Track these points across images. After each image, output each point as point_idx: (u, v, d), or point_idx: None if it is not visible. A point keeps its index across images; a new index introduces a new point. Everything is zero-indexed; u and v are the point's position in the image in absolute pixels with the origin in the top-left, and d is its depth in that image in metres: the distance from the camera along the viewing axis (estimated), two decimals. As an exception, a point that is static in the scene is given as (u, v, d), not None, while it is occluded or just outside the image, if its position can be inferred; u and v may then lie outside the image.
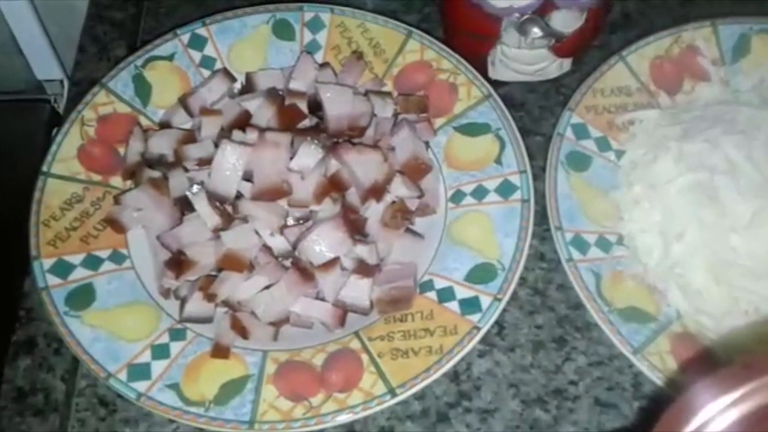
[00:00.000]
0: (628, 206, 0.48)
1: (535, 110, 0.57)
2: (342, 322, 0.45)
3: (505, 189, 0.49)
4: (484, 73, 0.55)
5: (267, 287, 0.44)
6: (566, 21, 0.53)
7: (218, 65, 0.55)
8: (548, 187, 0.48)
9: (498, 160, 0.50)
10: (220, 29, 0.56)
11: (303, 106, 0.49)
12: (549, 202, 0.48)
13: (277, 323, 0.45)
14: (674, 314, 0.45)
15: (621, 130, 0.51)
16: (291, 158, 0.46)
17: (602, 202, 0.48)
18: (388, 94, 0.53)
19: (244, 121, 0.49)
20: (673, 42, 0.54)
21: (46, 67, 0.62)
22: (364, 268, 0.45)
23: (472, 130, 0.52)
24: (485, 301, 0.45)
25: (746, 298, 0.44)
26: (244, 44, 0.55)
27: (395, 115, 0.51)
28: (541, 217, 0.49)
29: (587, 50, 0.57)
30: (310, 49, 0.55)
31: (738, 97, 0.52)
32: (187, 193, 0.45)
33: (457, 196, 0.50)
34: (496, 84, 0.57)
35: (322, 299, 0.45)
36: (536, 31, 0.53)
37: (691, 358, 0.43)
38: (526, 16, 0.52)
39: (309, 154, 0.46)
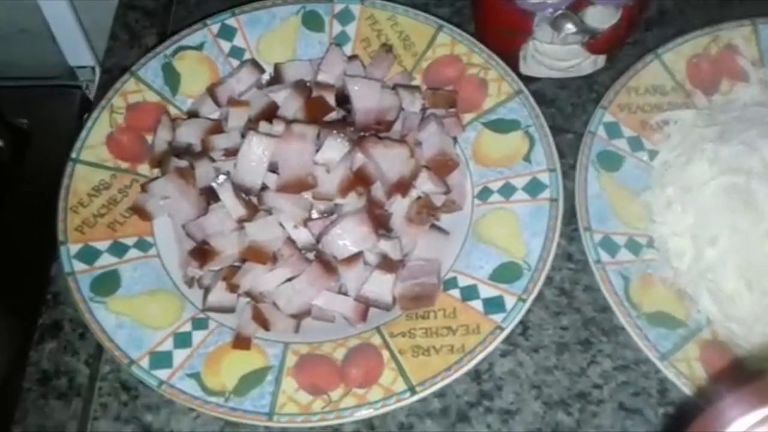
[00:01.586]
0: (660, 208, 0.47)
1: (567, 107, 0.56)
2: (364, 317, 0.45)
3: (534, 187, 0.48)
4: (515, 68, 0.54)
5: (290, 279, 0.44)
6: (601, 17, 0.52)
7: (247, 56, 0.54)
8: (578, 187, 0.47)
9: (527, 158, 0.49)
10: (249, 20, 0.55)
11: (330, 98, 0.49)
12: (578, 202, 0.47)
13: (298, 316, 0.44)
14: (704, 321, 0.44)
15: (655, 130, 0.50)
16: (317, 151, 0.46)
17: (633, 203, 0.47)
18: (417, 88, 0.52)
19: (271, 113, 0.49)
20: (711, 41, 0.53)
21: (79, 54, 0.63)
22: (387, 264, 0.45)
23: (502, 126, 0.51)
24: (509, 301, 0.44)
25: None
26: (273, 35, 0.55)
27: (423, 109, 0.51)
28: (570, 216, 0.48)
29: (622, 47, 0.56)
30: (339, 41, 0.55)
31: (775, 101, 0.51)
32: (213, 183, 0.45)
33: (484, 193, 0.49)
34: (527, 80, 0.56)
35: (345, 293, 0.45)
36: (570, 27, 0.52)
37: (721, 367, 0.41)
38: (559, 12, 0.52)
39: (335, 148, 0.45)
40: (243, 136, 0.47)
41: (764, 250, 0.44)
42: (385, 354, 0.43)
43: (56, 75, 0.64)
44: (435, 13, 0.57)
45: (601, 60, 0.56)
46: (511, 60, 0.55)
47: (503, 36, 0.55)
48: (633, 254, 0.46)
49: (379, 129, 0.48)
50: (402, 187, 0.46)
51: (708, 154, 0.47)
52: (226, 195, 0.45)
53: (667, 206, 0.47)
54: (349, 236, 0.44)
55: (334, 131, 0.46)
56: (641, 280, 0.45)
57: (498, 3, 0.53)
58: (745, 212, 0.44)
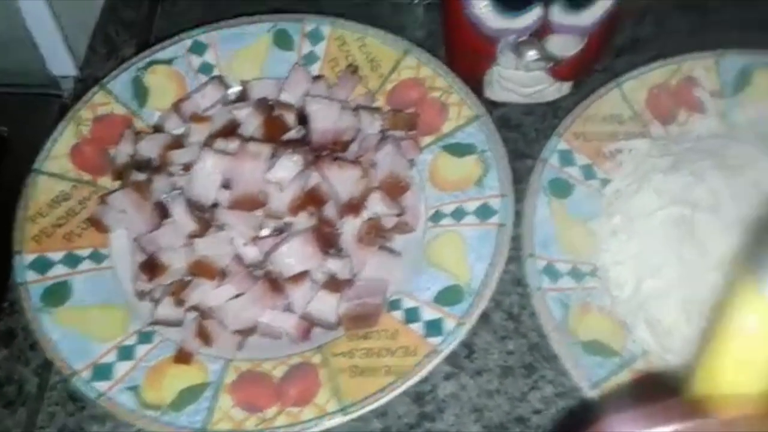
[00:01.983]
0: (606, 237, 0.47)
1: (531, 133, 0.56)
2: (307, 335, 0.46)
3: (484, 212, 0.49)
4: (481, 93, 0.55)
5: (237, 296, 0.45)
6: (564, 45, 0.53)
7: (216, 72, 0.56)
8: (526, 213, 0.48)
9: (480, 183, 0.50)
10: (222, 36, 0.57)
11: (290, 117, 0.50)
12: (525, 228, 0.48)
13: (243, 332, 0.45)
14: (639, 351, 0.44)
15: (608, 158, 0.51)
16: (270, 169, 0.47)
17: (580, 231, 0.48)
18: (378, 109, 0.53)
19: (232, 129, 0.50)
20: (673, 72, 0.53)
21: (60, 63, 0.64)
22: (334, 283, 0.46)
23: (458, 150, 0.52)
24: (449, 324, 0.45)
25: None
26: (244, 52, 0.56)
27: (382, 131, 0.52)
28: (522, 242, 0.49)
29: (590, 74, 0.57)
30: (309, 61, 0.56)
31: (733, 132, 0.51)
32: (165, 198, 0.46)
33: (437, 216, 0.50)
34: (493, 105, 0.57)
35: (291, 311, 0.46)
36: (532, 54, 0.53)
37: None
38: (522, 38, 0.52)
39: (286, 167, 0.46)
40: (202, 152, 0.48)
41: (707, 284, 0.44)
42: (323, 373, 0.44)
43: (38, 83, 0.65)
44: (411, 36, 0.58)
45: (566, 87, 0.56)
46: (479, 84, 0.56)
47: (470, 60, 0.56)
48: (575, 281, 0.46)
49: (335, 149, 0.49)
50: (353, 207, 0.47)
51: (656, 185, 0.47)
52: (178, 210, 0.46)
53: (612, 235, 0.47)
54: (296, 255, 0.45)
55: (289, 150, 0.47)
56: (581, 308, 0.45)
57: (463, 29, 0.54)
58: (690, 244, 0.45)
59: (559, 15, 0.51)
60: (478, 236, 0.48)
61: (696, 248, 0.44)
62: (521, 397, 0.46)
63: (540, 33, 0.52)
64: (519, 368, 0.47)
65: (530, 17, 0.51)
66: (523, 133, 0.56)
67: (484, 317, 0.47)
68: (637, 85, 0.53)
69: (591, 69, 0.57)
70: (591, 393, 0.42)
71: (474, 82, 0.56)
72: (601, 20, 0.52)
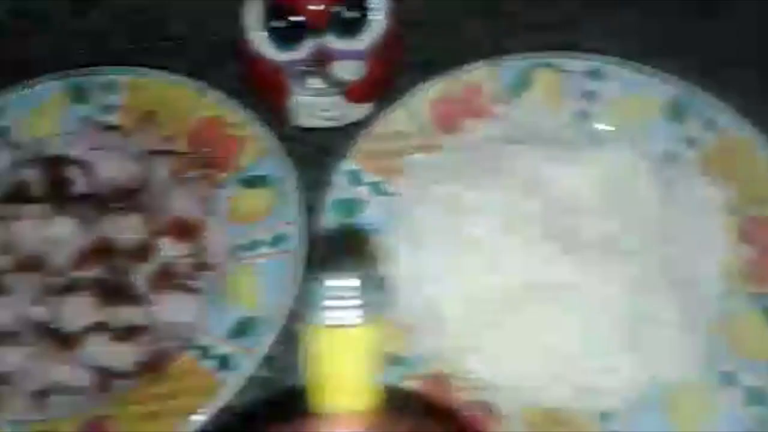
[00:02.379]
0: (392, 250, 0.49)
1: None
2: (105, 388, 0.46)
3: (277, 241, 0.50)
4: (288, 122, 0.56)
5: (28, 357, 0.45)
6: (349, 69, 0.55)
7: (13, 134, 0.56)
8: (315, 237, 0.49)
9: (274, 213, 0.51)
10: (18, 99, 0.57)
11: (75, 172, 0.50)
12: (314, 254, 0.49)
13: (38, 393, 0.45)
14: (423, 356, 0.45)
15: (398, 173, 0.52)
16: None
17: (368, 247, 0.49)
18: (170, 152, 0.53)
19: (22, 192, 0.50)
20: (456, 81, 0.55)
21: None
22: (127, 332, 0.46)
23: (254, 182, 0.53)
24: (239, 357, 0.45)
25: (498, 338, 0.45)
26: (41, 111, 0.56)
27: (175, 173, 0.52)
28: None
29: (389, 91, 0.58)
30: (107, 112, 0.56)
31: (515, 135, 0.53)
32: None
33: (236, 250, 0.50)
34: (305, 130, 0.58)
35: (85, 366, 0.46)
36: (318, 81, 0.54)
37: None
38: (306, 68, 0.54)
39: (64, 224, 0.46)
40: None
41: (485, 286, 0.46)
42: (119, 425, 0.44)
43: None
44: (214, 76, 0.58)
45: (367, 106, 0.58)
46: (285, 114, 0.57)
47: (271, 92, 0.57)
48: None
49: (121, 199, 0.50)
50: (142, 254, 0.48)
51: (432, 196, 0.49)
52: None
53: (397, 247, 0.49)
54: (81, 309, 0.45)
55: (69, 206, 0.47)
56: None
57: (254, 62, 0.55)
58: (465, 250, 0.46)
59: (335, 42, 0.53)
60: (273, 266, 0.49)
61: (471, 253, 0.46)
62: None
63: (323, 60, 0.54)
64: None
65: (306, 48, 0.53)
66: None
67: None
68: (421, 99, 0.54)
69: (387, 87, 0.59)
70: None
71: (279, 112, 0.58)
72: (376, 42, 0.54)
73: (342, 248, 0.46)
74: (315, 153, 0.57)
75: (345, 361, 0.20)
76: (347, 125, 0.57)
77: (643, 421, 0.43)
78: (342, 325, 0.19)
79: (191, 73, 0.58)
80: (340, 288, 0.19)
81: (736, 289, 0.47)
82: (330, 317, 0.19)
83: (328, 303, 0.19)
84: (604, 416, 0.43)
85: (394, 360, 0.45)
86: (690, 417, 0.43)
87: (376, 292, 0.19)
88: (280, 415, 0.24)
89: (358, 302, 0.19)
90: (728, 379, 0.44)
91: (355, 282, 0.19)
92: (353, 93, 0.56)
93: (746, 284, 0.47)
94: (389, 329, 0.46)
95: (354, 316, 0.19)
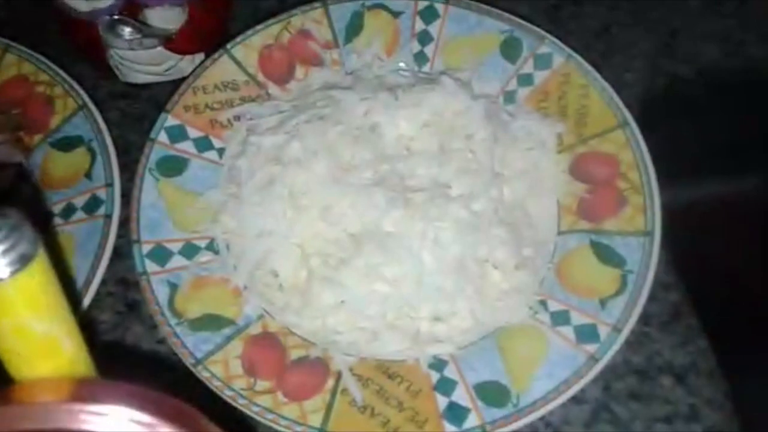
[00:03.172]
0: (220, 206, 0.46)
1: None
2: None
3: (92, 205, 0.46)
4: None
5: None
6: (166, 18, 0.51)
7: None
8: (132, 199, 0.46)
9: (88, 175, 0.47)
10: None
11: None
12: (131, 215, 0.45)
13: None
14: (255, 316, 0.43)
15: (225, 127, 0.50)
16: None
17: (195, 205, 0.46)
18: (-28, 116, 0.49)
19: None
20: (283, 28, 0.52)
21: None
22: None
23: (67, 144, 0.49)
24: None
25: (331, 290, 0.43)
26: None
27: (-22, 138, 0.48)
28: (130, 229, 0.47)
29: (221, 41, 0.55)
30: None
31: (347, 80, 0.51)
32: None
33: (49, 218, 0.47)
34: (139, 87, 0.54)
35: None
36: (129, 31, 0.50)
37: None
38: (115, 17, 0.50)
39: None
40: None
41: (318, 235, 0.44)
42: None
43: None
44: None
45: (198, 58, 0.54)
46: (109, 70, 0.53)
47: (88, 48, 0.53)
48: (187, 259, 0.45)
49: None
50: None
51: (253, 148, 0.46)
52: None
53: (226, 203, 0.46)
54: None
55: None
56: (193, 284, 0.44)
57: (63, 16, 0.51)
58: (288, 201, 0.44)
59: (142, -12, 0.49)
60: (87, 232, 0.45)
61: (295, 203, 0.44)
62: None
63: (134, 9, 0.50)
64: (171, 356, 0.45)
65: (112, -5, 0.49)
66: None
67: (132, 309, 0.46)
68: (248, 49, 0.51)
69: (219, 36, 0.55)
70: (194, 370, 0.41)
71: (105, 68, 0.54)
72: (192, -13, 0.50)
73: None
74: (147, 110, 0.54)
75: (5, 320, 0.17)
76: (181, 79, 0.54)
77: (476, 366, 0.42)
78: (-15, 283, 0.16)
79: (13, 34, 0.53)
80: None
81: (569, 228, 0.46)
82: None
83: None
84: (437, 364, 0.42)
85: (222, 321, 0.43)
86: (523, 358, 0.42)
87: (22, 238, 0.16)
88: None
89: (-1, 254, 0.16)
90: (560, 318, 0.43)
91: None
92: (178, 45, 0.53)
93: (579, 222, 0.46)
94: (219, 292, 0.44)
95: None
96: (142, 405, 0.18)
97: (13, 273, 0.16)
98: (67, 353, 0.19)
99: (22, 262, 0.16)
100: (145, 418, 0.18)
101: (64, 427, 0.19)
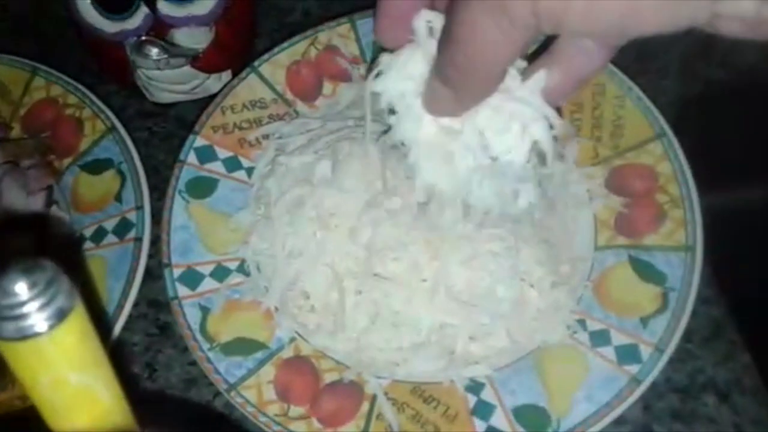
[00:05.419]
0: (252, 227, 0.46)
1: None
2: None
3: (122, 228, 0.46)
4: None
5: None
6: (193, 37, 0.51)
7: None
8: (163, 222, 0.46)
9: (118, 198, 0.47)
10: None
11: None
12: (162, 237, 0.45)
13: None
14: (286, 338, 0.43)
15: (254, 146, 0.49)
16: None
17: (224, 227, 0.46)
18: (2, 140, 0.49)
19: None
20: (310, 44, 0.52)
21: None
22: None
23: (96, 167, 0.49)
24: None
25: (364, 310, 0.43)
26: None
27: (6, 162, 0.48)
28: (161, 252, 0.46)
29: (246, 60, 0.55)
30: (-67, 100, 0.51)
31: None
32: None
33: (81, 241, 0.46)
34: (166, 106, 0.54)
35: None
36: (157, 51, 0.50)
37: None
38: (142, 38, 0.50)
39: None
40: None
41: (349, 255, 0.44)
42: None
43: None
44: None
45: (226, 76, 0.54)
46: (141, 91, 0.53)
47: (115, 69, 0.53)
48: (218, 282, 0.44)
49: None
50: (-31, 254, 0.43)
51: (282, 168, 0.46)
52: None
53: (254, 225, 0.46)
54: None
55: None
56: (225, 307, 0.43)
57: (90, 38, 0.51)
58: (319, 221, 0.44)
59: (169, 9, 0.49)
60: (118, 255, 0.45)
61: (323, 224, 0.43)
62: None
63: (161, 29, 0.50)
64: (202, 377, 0.45)
65: (138, 16, 0.49)
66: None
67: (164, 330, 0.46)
68: (274, 66, 0.51)
69: (246, 55, 0.55)
70: (227, 396, 0.40)
71: (132, 89, 0.54)
72: (219, 6, 0.50)
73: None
74: (175, 129, 0.54)
75: (43, 375, 0.17)
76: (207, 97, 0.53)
77: (514, 388, 0.41)
78: (23, 337, 0.16)
79: (39, 55, 0.54)
80: (10, 294, 0.15)
81: (606, 243, 0.45)
82: (6, 329, 0.16)
83: (1, 313, 0.16)
84: (474, 386, 0.41)
85: (254, 345, 0.42)
86: (562, 380, 0.41)
87: (60, 291, 0.16)
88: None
89: (36, 307, 0.15)
90: (600, 338, 0.42)
91: (26, 284, 0.16)
92: (204, 63, 0.52)
93: (617, 237, 0.45)
94: (251, 315, 0.43)
95: (35, 324, 0.16)
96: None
97: (51, 327, 0.16)
98: (104, 403, 0.18)
99: (60, 316, 0.16)
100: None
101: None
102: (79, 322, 0.16)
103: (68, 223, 0.47)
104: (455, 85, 0.31)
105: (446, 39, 0.29)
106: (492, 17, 0.27)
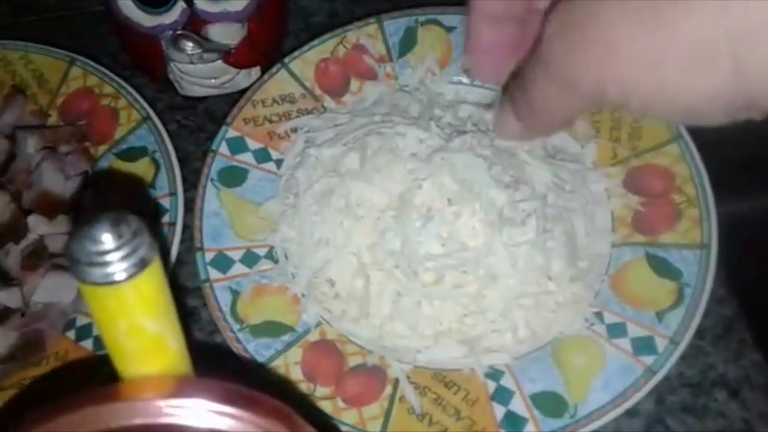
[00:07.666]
0: (279, 216, 0.47)
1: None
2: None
3: (157, 213, 0.48)
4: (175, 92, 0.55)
5: None
6: (226, 33, 0.53)
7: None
8: (196, 208, 0.47)
9: (152, 185, 0.49)
10: None
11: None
12: (194, 223, 0.47)
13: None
14: (313, 323, 0.44)
15: (283, 138, 0.51)
16: None
17: (254, 215, 0.48)
18: (38, 128, 0.51)
19: None
20: (338, 43, 0.54)
21: None
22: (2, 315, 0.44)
23: (131, 155, 0.50)
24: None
25: (387, 299, 0.44)
26: None
27: (46, 148, 0.50)
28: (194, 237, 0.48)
29: (277, 55, 0.56)
30: (-28, 87, 0.53)
31: (401, 94, 0.52)
32: None
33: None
34: (196, 100, 0.56)
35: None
36: (191, 46, 0.52)
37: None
38: (178, 32, 0.52)
39: None
40: None
41: (374, 246, 0.45)
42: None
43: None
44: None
45: (255, 72, 0.56)
46: (171, 84, 0.55)
47: (149, 62, 0.55)
48: (247, 267, 0.46)
49: (-14, 176, 0.47)
50: (8, 233, 0.45)
51: (311, 159, 0.47)
52: None
53: (285, 213, 0.47)
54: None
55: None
56: (254, 291, 0.45)
57: (126, 31, 0.53)
58: (345, 212, 0.45)
59: (205, 5, 0.50)
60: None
61: (350, 214, 0.45)
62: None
63: (196, 24, 0.52)
64: (227, 363, 0.46)
65: (176, 11, 0.50)
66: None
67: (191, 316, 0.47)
68: (304, 63, 0.53)
69: (275, 52, 0.57)
70: (259, 375, 0.42)
71: (163, 82, 0.55)
72: (253, 3, 0.51)
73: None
74: (204, 122, 0.56)
75: (122, 320, 0.18)
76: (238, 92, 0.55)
77: (532, 376, 0.43)
78: (107, 283, 0.17)
79: (73, 47, 0.55)
80: (98, 242, 0.17)
81: (624, 241, 0.46)
82: (93, 274, 0.17)
83: (89, 259, 0.17)
84: (493, 373, 0.43)
85: (282, 328, 0.44)
86: (579, 369, 0.43)
87: (142, 243, 0.17)
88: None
89: (120, 256, 0.17)
90: (617, 330, 0.43)
91: (112, 235, 0.17)
92: (236, 58, 0.54)
93: (634, 235, 0.47)
94: (278, 299, 0.45)
95: (118, 272, 0.17)
96: (247, 404, 0.19)
97: (132, 276, 0.17)
98: (173, 352, 0.20)
99: (141, 265, 0.17)
100: (245, 414, 0.19)
101: (167, 423, 0.20)
102: (157, 273, 0.18)
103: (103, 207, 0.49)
104: (525, 122, 0.33)
105: (521, 86, 0.32)
106: (561, 88, 0.29)
